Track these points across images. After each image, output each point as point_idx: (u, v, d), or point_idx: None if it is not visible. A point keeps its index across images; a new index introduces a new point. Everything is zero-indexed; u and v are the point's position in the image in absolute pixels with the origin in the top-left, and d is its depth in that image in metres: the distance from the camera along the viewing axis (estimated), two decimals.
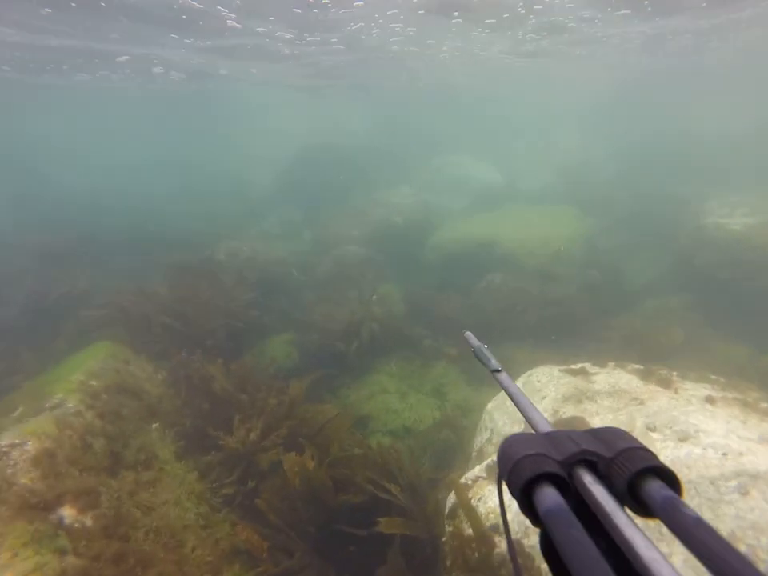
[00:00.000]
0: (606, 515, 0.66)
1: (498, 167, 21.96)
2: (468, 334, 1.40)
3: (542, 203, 16.81)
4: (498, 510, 4.06)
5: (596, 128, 25.66)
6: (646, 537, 0.61)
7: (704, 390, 5.47)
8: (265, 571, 4.39)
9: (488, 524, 3.91)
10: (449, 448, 6.89)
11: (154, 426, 5.77)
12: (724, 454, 3.54)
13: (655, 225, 14.34)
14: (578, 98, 32.02)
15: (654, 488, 0.68)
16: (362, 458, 5.32)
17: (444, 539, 4.20)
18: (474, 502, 4.11)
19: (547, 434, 0.82)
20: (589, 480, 0.72)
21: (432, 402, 8.24)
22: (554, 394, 5.26)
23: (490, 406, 5.93)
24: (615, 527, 0.64)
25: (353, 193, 18.93)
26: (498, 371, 1.15)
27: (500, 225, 14.45)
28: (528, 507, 0.71)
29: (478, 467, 4.41)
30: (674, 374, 6.17)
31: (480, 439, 5.71)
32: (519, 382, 5.98)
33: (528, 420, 0.93)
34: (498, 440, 5.31)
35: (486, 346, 1.28)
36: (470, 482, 4.34)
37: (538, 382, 5.69)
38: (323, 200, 19.30)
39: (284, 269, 14.16)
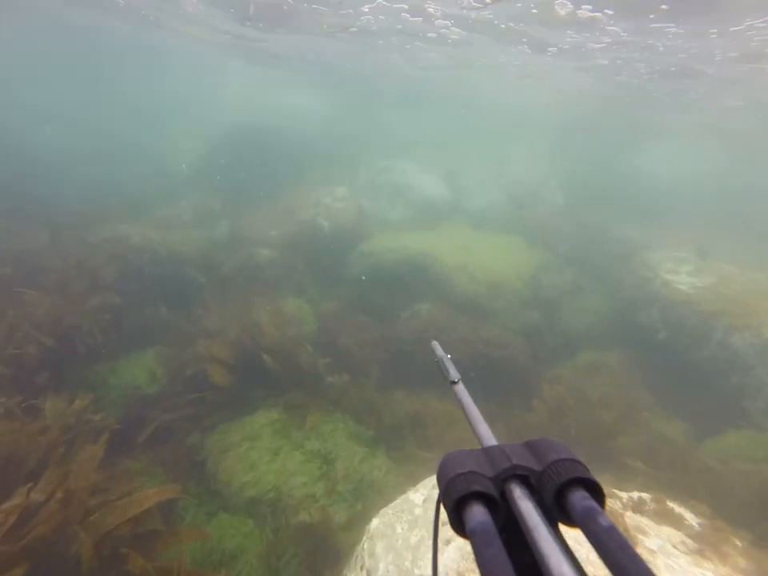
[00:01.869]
0: (529, 530, 0.65)
1: (445, 180, 20.51)
2: (434, 343, 1.43)
3: (485, 224, 15.48)
4: None
5: (553, 153, 24.96)
6: (562, 552, 0.59)
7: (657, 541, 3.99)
8: None
9: None
10: (325, 557, 5.03)
11: None
12: None
13: (600, 268, 13.40)
14: (539, 119, 31.37)
15: (577, 498, 0.67)
16: None
17: None
18: None
19: (485, 450, 0.81)
20: (518, 495, 0.71)
21: (313, 467, 6.37)
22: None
23: (374, 524, 4.12)
24: (535, 542, 0.63)
25: (284, 186, 16.67)
26: (455, 383, 1.16)
27: (438, 245, 12.85)
28: (460, 525, 0.70)
29: None
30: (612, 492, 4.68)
31: None
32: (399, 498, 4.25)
33: (475, 433, 0.93)
34: None
35: (449, 357, 1.31)
36: None
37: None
38: (249, 188, 16.91)
39: (179, 266, 11.74)
